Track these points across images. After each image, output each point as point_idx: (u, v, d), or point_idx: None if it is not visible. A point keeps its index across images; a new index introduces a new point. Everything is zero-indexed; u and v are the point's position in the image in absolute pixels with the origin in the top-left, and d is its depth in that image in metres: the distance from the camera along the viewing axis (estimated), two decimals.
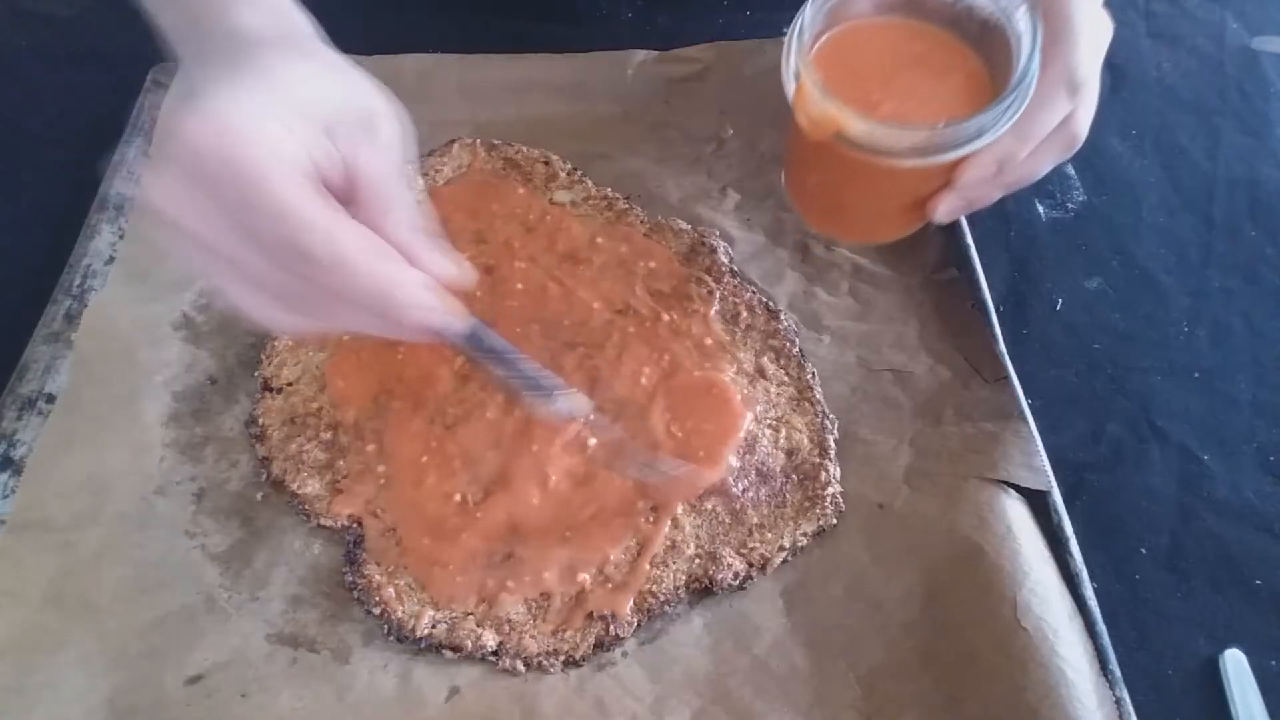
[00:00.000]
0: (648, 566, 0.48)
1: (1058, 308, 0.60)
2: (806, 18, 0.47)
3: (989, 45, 0.48)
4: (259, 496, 0.51)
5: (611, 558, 0.48)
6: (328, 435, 0.52)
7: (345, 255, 0.33)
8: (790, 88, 0.47)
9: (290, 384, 0.53)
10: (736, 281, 0.57)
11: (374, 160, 0.35)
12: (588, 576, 0.48)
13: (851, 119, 0.45)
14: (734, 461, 0.50)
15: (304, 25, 0.41)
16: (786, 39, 0.47)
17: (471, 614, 0.47)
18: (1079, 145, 0.48)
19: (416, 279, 0.36)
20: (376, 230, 0.35)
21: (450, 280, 0.38)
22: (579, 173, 0.62)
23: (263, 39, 0.38)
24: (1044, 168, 0.49)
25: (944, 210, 0.50)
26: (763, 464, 0.51)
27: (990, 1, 0.47)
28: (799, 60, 0.46)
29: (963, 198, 0.49)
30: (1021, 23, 0.46)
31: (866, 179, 0.50)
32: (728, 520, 0.49)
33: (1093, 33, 0.47)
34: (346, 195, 0.36)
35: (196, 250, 0.33)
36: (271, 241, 0.32)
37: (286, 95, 0.34)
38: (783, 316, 0.56)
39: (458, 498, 0.50)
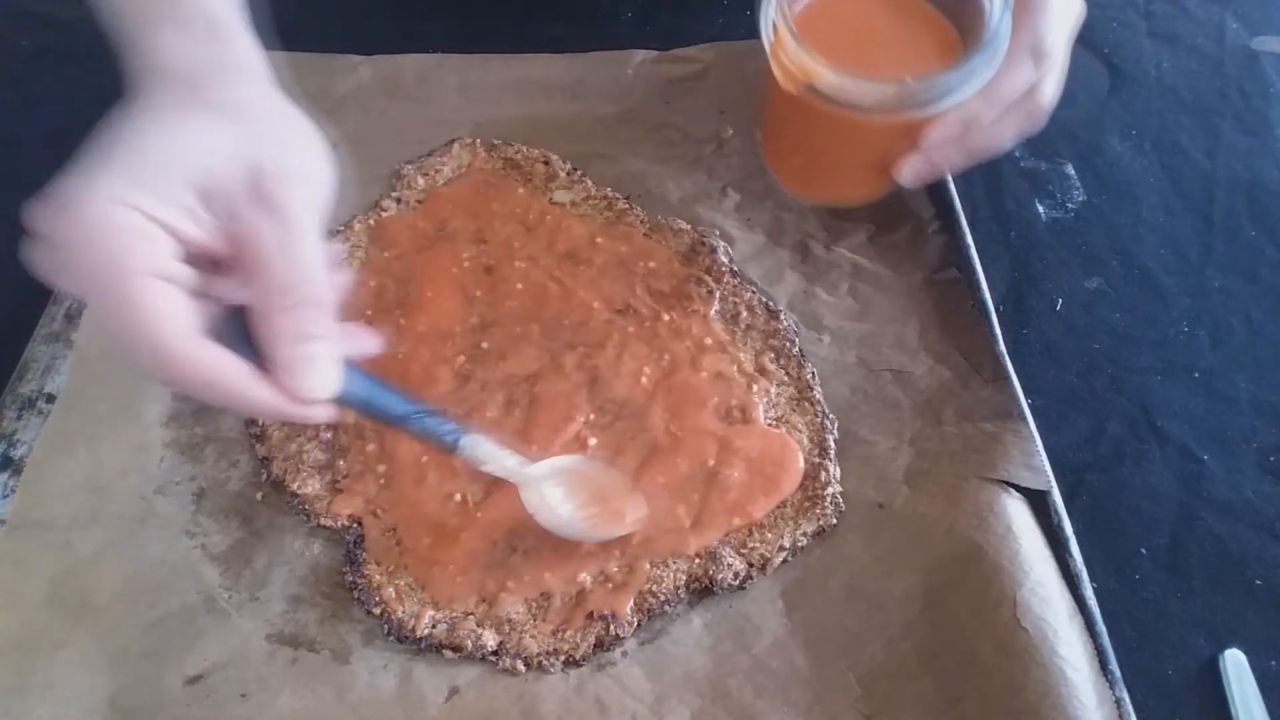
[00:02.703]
0: (648, 566, 0.48)
1: (1058, 308, 0.60)
2: None
3: (962, 13, 0.49)
4: (259, 496, 0.51)
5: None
6: (328, 435, 0.52)
7: (184, 378, 0.32)
8: (768, 37, 0.48)
9: None
10: (736, 281, 0.57)
11: (256, 230, 0.33)
12: (588, 577, 0.48)
13: (824, 70, 0.46)
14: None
15: (237, 51, 0.38)
16: None
17: (471, 614, 0.47)
18: (1043, 117, 0.50)
19: (269, 400, 0.34)
20: (261, 306, 0.34)
21: (308, 393, 0.35)
22: (579, 173, 0.62)
23: (175, 79, 0.36)
24: (1007, 137, 0.50)
25: (909, 171, 0.51)
26: None
27: None
28: (778, 10, 0.47)
29: (927, 160, 0.50)
30: None
31: (836, 134, 0.51)
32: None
33: (1062, 7, 0.48)
34: (234, 259, 0.34)
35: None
36: (124, 337, 0.32)
37: (160, 167, 0.32)
38: (783, 316, 0.56)
39: (458, 497, 0.50)
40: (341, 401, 0.37)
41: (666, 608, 0.47)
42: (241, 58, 0.38)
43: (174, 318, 0.32)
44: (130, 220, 0.31)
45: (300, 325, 0.34)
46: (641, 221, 0.59)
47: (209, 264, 0.34)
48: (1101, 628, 0.46)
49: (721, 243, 0.58)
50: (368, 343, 0.39)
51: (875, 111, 0.47)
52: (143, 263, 0.31)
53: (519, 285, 0.56)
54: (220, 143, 0.34)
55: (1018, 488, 0.49)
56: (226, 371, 0.33)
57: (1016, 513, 0.48)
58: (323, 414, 0.37)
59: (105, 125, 0.34)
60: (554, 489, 0.47)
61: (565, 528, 0.47)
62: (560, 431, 0.51)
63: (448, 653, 0.46)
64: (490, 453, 0.45)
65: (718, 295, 0.56)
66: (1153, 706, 0.45)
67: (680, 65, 0.66)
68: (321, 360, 0.35)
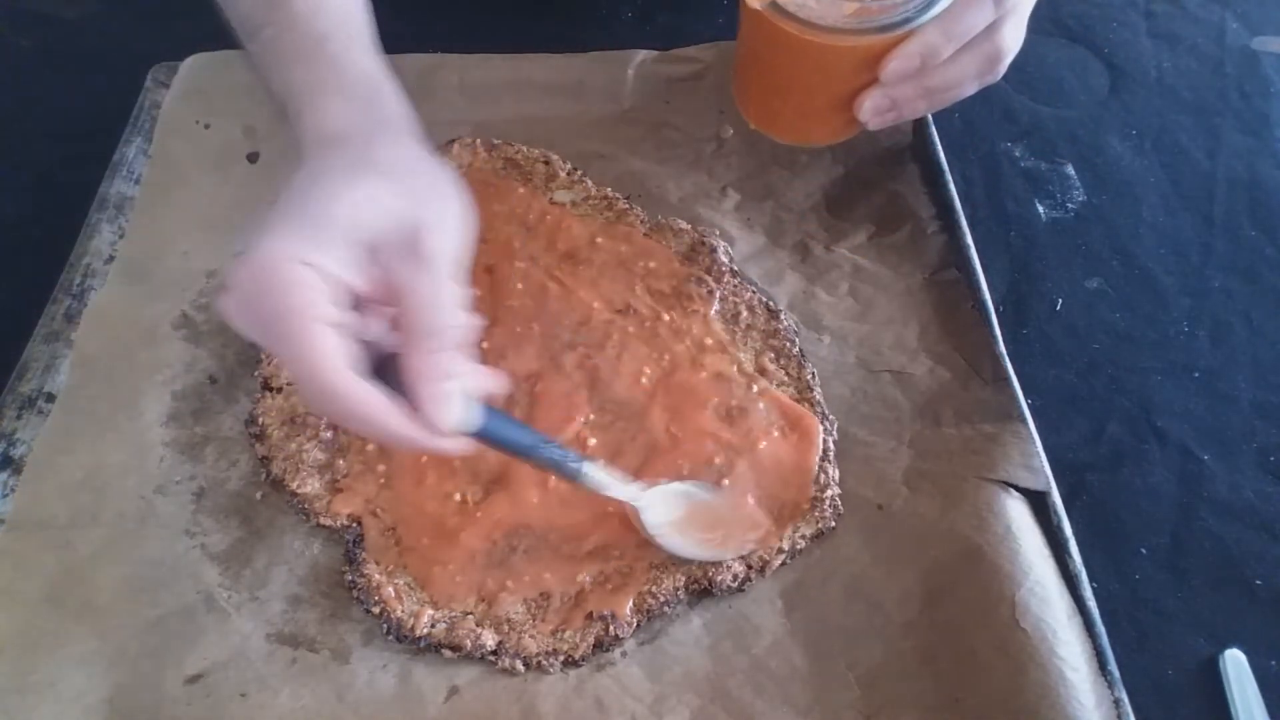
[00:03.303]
0: (647, 566, 0.48)
1: (1058, 308, 0.60)
2: None
3: None
4: (259, 496, 0.51)
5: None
6: (328, 434, 0.52)
7: (343, 411, 0.36)
8: None
9: (290, 383, 0.53)
10: (736, 281, 0.57)
11: (412, 281, 0.37)
12: (588, 577, 0.48)
13: None
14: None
15: (390, 111, 0.43)
16: None
17: (471, 613, 0.47)
18: (1002, 64, 0.50)
19: (413, 434, 0.37)
20: (410, 348, 0.37)
21: (447, 435, 0.38)
22: (579, 172, 0.62)
23: (343, 141, 0.40)
24: (967, 79, 0.50)
25: (870, 107, 0.52)
26: None
27: None
28: None
29: (888, 95, 0.51)
30: None
31: (799, 60, 0.52)
32: None
33: None
34: (388, 305, 0.38)
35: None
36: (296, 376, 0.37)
37: (333, 226, 0.36)
38: (783, 316, 0.56)
39: (458, 497, 0.50)
40: (474, 435, 0.40)
41: (666, 608, 0.47)
42: (395, 115, 0.43)
43: (338, 359, 0.35)
44: (308, 276, 0.35)
45: (441, 366, 0.37)
46: (641, 221, 0.59)
47: (360, 307, 0.38)
48: (1100, 628, 0.46)
49: (721, 243, 0.58)
50: (495, 382, 0.42)
51: (835, 32, 0.49)
52: (317, 312, 0.35)
53: (519, 285, 0.56)
54: (385, 203, 0.37)
55: (1018, 488, 0.49)
56: (378, 407, 0.36)
57: (1016, 513, 0.48)
58: (457, 447, 0.40)
59: (286, 185, 0.38)
60: (675, 513, 0.48)
61: (686, 549, 0.47)
62: (560, 431, 0.51)
63: (447, 652, 0.46)
64: (608, 480, 0.46)
65: (718, 295, 0.56)
66: (1153, 706, 0.45)
67: (680, 65, 0.66)
68: (458, 397, 0.38)
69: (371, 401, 0.36)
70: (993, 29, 0.49)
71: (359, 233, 0.37)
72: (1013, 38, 0.49)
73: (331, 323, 0.36)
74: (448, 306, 0.38)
